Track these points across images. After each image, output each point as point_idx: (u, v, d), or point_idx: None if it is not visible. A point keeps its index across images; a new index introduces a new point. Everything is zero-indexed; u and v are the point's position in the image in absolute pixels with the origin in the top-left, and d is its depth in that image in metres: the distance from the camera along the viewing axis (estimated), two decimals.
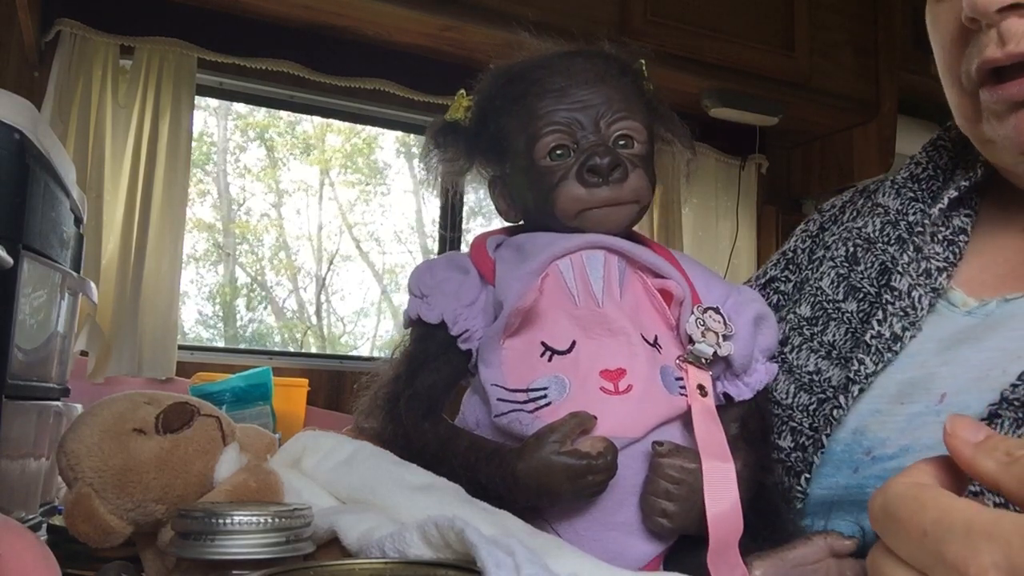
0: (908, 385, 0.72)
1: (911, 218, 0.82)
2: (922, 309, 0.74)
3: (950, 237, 0.77)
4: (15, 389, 1.08)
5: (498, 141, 0.77)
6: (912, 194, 0.83)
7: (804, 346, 0.82)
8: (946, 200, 0.77)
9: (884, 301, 0.74)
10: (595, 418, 0.65)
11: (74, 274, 1.38)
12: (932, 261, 0.75)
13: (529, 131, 0.74)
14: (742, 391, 0.73)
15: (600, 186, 0.72)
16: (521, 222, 0.81)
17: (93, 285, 1.51)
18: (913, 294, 0.74)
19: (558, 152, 0.73)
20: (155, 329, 2.61)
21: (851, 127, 3.51)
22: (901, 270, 0.75)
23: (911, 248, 0.75)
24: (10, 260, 1.00)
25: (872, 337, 0.73)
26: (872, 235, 0.83)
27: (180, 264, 2.70)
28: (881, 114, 3.41)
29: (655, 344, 0.71)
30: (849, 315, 0.80)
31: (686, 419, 0.70)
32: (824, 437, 0.74)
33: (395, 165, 4.60)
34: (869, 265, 0.81)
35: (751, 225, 3.63)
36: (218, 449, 0.63)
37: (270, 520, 0.53)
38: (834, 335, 0.80)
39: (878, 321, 0.74)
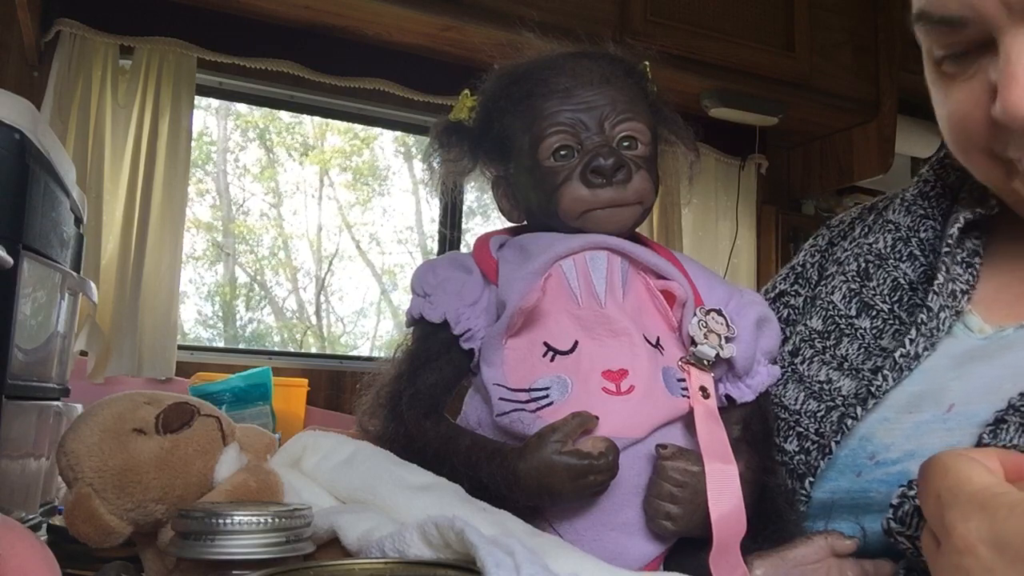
0: (918, 397, 0.72)
1: (922, 235, 0.82)
2: (944, 331, 0.74)
3: (967, 259, 0.77)
4: (15, 389, 1.08)
5: (502, 141, 0.77)
6: (922, 211, 0.83)
7: (816, 358, 0.82)
8: (962, 220, 0.77)
9: (919, 321, 0.74)
10: (597, 418, 0.65)
11: (74, 274, 1.38)
12: (957, 283, 0.75)
13: (533, 131, 0.74)
14: (744, 393, 0.73)
15: (604, 187, 0.72)
16: (524, 222, 0.81)
17: (93, 285, 1.51)
18: (941, 315, 0.74)
19: (562, 153, 0.73)
20: (155, 329, 2.61)
21: (851, 127, 3.50)
22: (937, 289, 0.74)
23: (944, 268, 0.75)
24: (10, 260, 1.00)
25: (902, 356, 0.73)
26: (883, 251, 0.83)
27: (180, 264, 2.70)
28: (881, 114, 3.41)
29: (657, 345, 0.71)
30: (863, 332, 0.80)
31: (688, 420, 0.70)
32: (833, 444, 0.74)
33: (394, 165, 4.60)
34: (881, 282, 0.81)
35: (751, 225, 3.63)
36: (218, 449, 0.63)
37: (270, 520, 0.53)
38: (847, 350, 0.80)
39: (910, 340, 0.74)
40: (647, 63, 0.80)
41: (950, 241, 0.76)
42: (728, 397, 0.73)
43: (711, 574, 0.64)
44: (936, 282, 0.75)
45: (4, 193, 1.05)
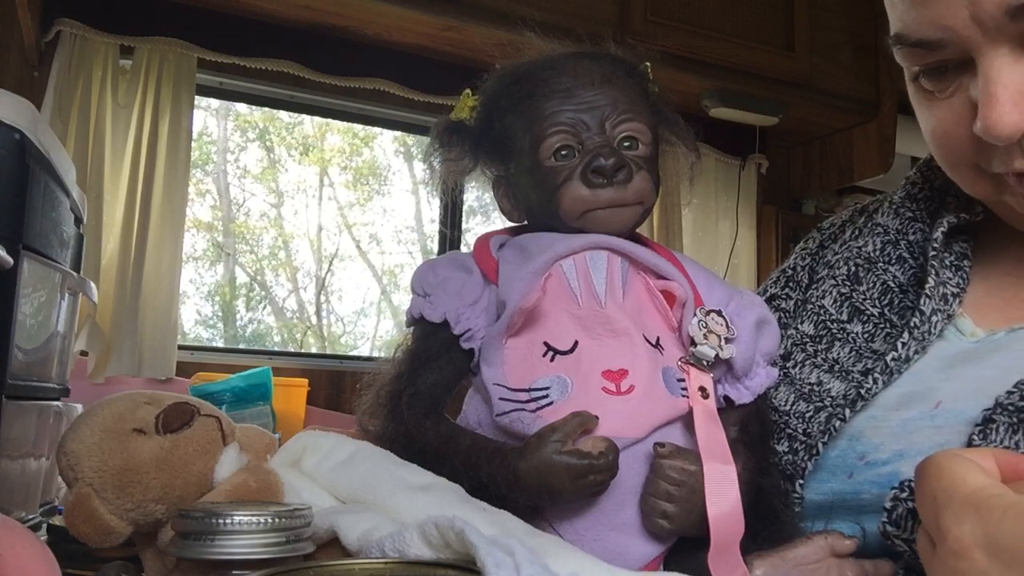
0: (907, 397, 0.72)
1: (911, 237, 0.82)
2: (936, 334, 0.74)
3: (955, 262, 0.77)
4: (15, 389, 1.08)
5: (503, 141, 0.77)
6: (911, 214, 0.83)
7: (807, 362, 0.82)
8: (946, 224, 0.77)
9: (912, 325, 0.74)
10: (597, 418, 0.65)
11: (74, 274, 1.38)
12: (947, 286, 0.75)
13: (534, 131, 0.74)
14: (743, 394, 0.73)
15: (604, 187, 0.72)
16: (525, 222, 0.81)
17: (93, 285, 1.51)
18: (933, 318, 0.74)
19: (563, 153, 0.73)
20: (155, 329, 2.61)
21: (851, 127, 3.51)
22: (929, 293, 0.74)
23: (934, 272, 0.75)
24: (10, 260, 1.00)
25: (893, 359, 0.73)
26: (872, 255, 0.83)
27: (180, 264, 2.70)
28: (881, 114, 3.41)
29: (657, 345, 0.71)
30: (855, 336, 0.80)
31: (687, 420, 0.70)
32: (820, 444, 0.74)
33: (394, 165, 4.60)
34: (871, 286, 0.81)
35: (751, 225, 3.63)
36: (218, 449, 0.63)
37: (270, 520, 0.53)
38: (839, 353, 0.80)
39: (902, 343, 0.74)
40: (648, 64, 0.80)
41: (936, 245, 0.76)
42: (727, 398, 0.73)
43: (711, 574, 0.64)
44: (927, 286, 0.75)
45: (4, 193, 1.05)
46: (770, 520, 0.70)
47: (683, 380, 0.70)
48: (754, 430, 0.74)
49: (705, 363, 0.71)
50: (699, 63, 3.03)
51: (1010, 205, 0.69)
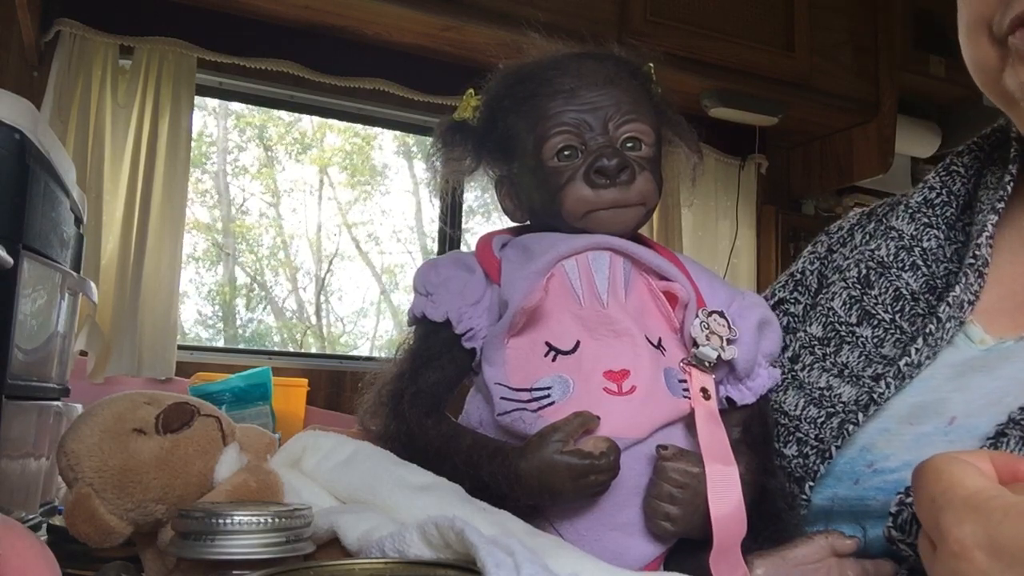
0: (919, 408, 0.72)
1: (925, 244, 0.82)
2: (947, 341, 0.74)
3: (980, 268, 0.77)
4: (15, 389, 1.08)
5: (506, 141, 0.77)
6: (926, 220, 0.83)
7: (816, 365, 0.82)
8: (990, 227, 0.76)
9: (928, 331, 0.74)
10: (598, 418, 0.65)
11: (74, 274, 1.38)
12: (968, 292, 0.75)
13: (537, 131, 0.74)
14: (745, 395, 0.73)
15: (607, 187, 0.72)
16: (527, 222, 0.81)
17: (93, 285, 1.51)
18: (947, 325, 0.74)
19: (566, 153, 0.73)
20: (155, 329, 2.61)
21: (851, 127, 3.50)
22: (951, 301, 0.74)
23: (963, 279, 0.75)
24: (10, 260, 1.00)
25: (906, 364, 0.73)
26: (886, 259, 0.82)
27: (180, 264, 2.69)
28: (881, 114, 3.41)
29: (659, 346, 0.71)
30: (864, 340, 0.80)
31: (688, 421, 0.70)
32: (833, 448, 0.74)
33: (394, 165, 4.60)
34: (883, 291, 0.81)
35: (751, 225, 3.63)
36: (218, 449, 0.63)
37: (270, 520, 0.53)
38: (848, 357, 0.80)
39: (915, 349, 0.74)
40: (651, 64, 0.80)
41: (977, 252, 0.75)
42: (728, 399, 0.73)
43: (711, 574, 0.64)
44: (952, 294, 0.74)
45: (4, 193, 1.05)
46: (772, 521, 0.70)
47: (685, 381, 0.70)
48: (756, 431, 0.74)
49: (707, 364, 0.71)
50: (699, 63, 3.03)
51: (1015, 97, 0.68)
